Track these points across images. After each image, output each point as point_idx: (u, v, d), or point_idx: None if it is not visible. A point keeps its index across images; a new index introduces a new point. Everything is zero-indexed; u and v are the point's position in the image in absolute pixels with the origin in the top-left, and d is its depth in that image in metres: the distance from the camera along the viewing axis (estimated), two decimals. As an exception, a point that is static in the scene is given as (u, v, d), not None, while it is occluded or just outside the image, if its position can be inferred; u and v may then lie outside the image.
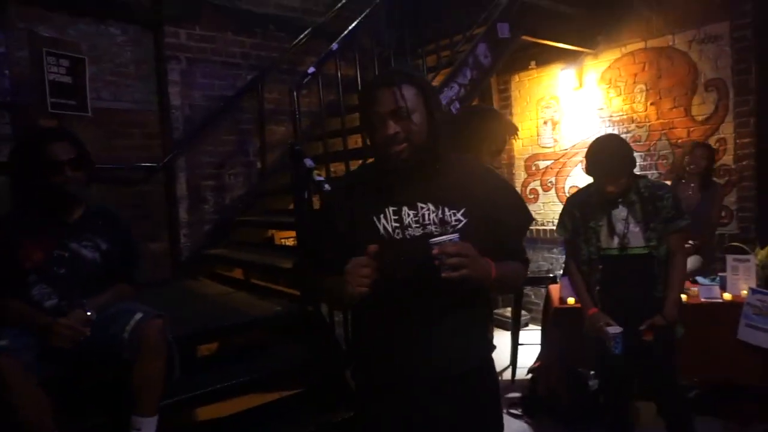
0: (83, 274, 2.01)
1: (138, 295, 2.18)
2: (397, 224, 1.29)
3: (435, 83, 3.52)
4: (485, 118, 2.31)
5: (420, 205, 1.30)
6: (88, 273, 2.02)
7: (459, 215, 1.31)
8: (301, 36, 4.04)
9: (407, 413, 1.33)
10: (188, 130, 3.73)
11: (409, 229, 1.29)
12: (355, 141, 3.57)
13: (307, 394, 2.49)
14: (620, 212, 2.24)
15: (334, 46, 3.04)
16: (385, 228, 1.29)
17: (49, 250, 1.96)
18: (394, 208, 1.30)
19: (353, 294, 1.18)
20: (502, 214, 1.36)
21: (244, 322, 2.64)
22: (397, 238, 1.29)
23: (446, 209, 1.30)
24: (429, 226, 1.29)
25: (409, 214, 1.29)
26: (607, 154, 2.19)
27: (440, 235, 1.24)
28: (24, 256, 1.92)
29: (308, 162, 2.59)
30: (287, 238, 3.95)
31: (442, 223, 1.29)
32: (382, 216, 1.30)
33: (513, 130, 2.37)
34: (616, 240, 2.24)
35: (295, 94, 2.92)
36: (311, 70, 2.98)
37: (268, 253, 3.43)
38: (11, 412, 1.66)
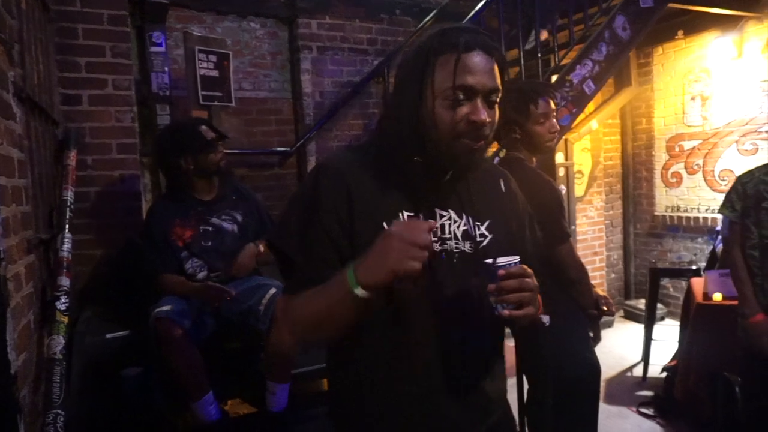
0: (226, 244, 2.23)
1: (275, 268, 2.37)
2: None
3: (566, 61, 3.33)
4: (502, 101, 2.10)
5: (440, 212, 1.00)
6: (229, 243, 2.24)
7: (483, 229, 1.03)
8: (426, 19, 4.02)
9: None
10: (318, 116, 3.92)
11: None
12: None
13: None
14: None
15: (460, 28, 3.00)
16: None
17: (197, 227, 2.20)
18: (410, 214, 0.97)
19: (407, 269, 0.80)
20: (524, 231, 1.11)
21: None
22: None
23: (471, 220, 1.02)
24: (449, 242, 0.99)
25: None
26: None
27: (464, 252, 0.99)
28: (177, 236, 2.17)
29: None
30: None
31: (466, 237, 1.01)
32: (394, 221, 0.96)
33: (532, 95, 1.98)
34: None
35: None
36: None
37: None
38: (173, 370, 1.92)
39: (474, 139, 0.93)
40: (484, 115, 0.91)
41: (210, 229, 2.22)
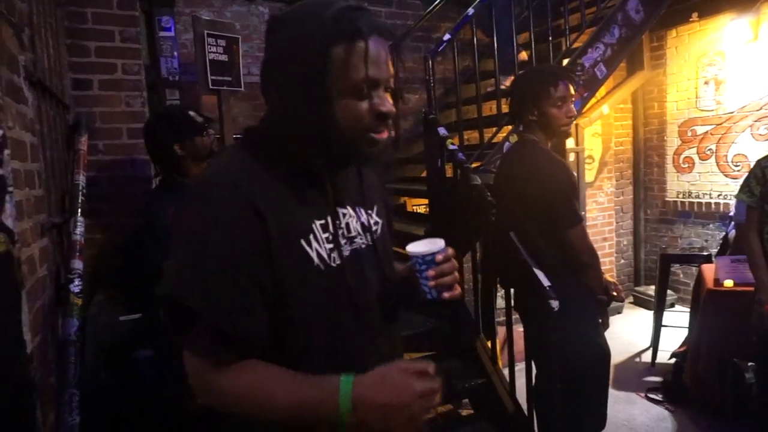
0: None
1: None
2: (332, 244, 0.88)
3: (577, 44, 3.29)
4: (515, 82, 2.17)
5: (342, 211, 0.93)
6: None
7: (375, 216, 0.99)
8: (436, 3, 3.98)
9: None
10: (327, 101, 3.90)
11: (343, 247, 0.90)
12: (490, 108, 3.48)
13: (432, 358, 2.56)
14: None
15: (470, 11, 2.97)
16: (318, 254, 0.86)
17: None
18: (322, 222, 0.88)
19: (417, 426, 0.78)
20: (391, 212, 1.10)
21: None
22: (335, 264, 0.87)
23: (362, 211, 0.97)
24: (356, 239, 0.93)
25: (336, 226, 0.91)
26: None
27: (368, 247, 0.95)
28: None
29: (441, 131, 2.59)
30: (419, 206, 4.03)
31: (364, 230, 0.96)
32: (311, 236, 0.85)
33: (552, 77, 2.00)
34: None
35: (429, 62, 2.91)
36: (446, 37, 2.95)
37: (401, 219, 3.53)
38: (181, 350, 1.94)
39: (381, 130, 0.86)
40: (390, 106, 0.86)
41: None
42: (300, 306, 0.83)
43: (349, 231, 0.92)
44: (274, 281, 0.81)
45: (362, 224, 0.95)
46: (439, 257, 0.90)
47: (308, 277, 0.84)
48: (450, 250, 0.93)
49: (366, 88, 0.83)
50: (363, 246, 0.94)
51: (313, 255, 0.85)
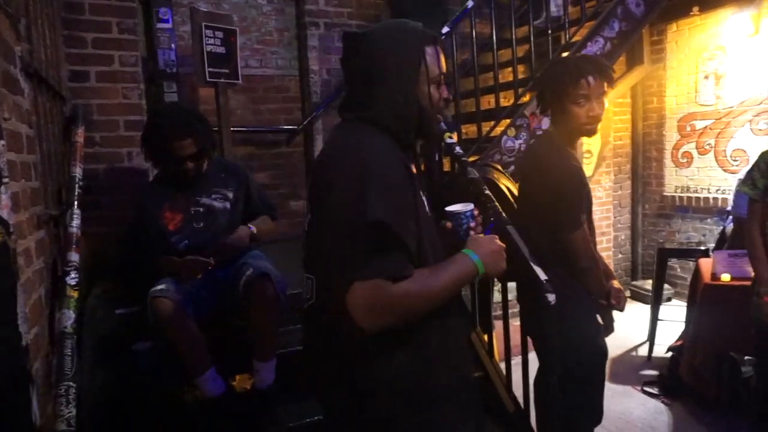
0: (219, 224, 2.17)
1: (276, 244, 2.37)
2: (427, 202, 1.21)
3: (577, 38, 3.27)
4: (547, 71, 2.03)
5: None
6: (222, 222, 2.18)
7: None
8: (435, -6, 3.97)
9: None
10: (325, 94, 3.89)
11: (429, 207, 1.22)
12: (488, 102, 3.48)
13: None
14: None
15: (470, 3, 2.95)
16: (427, 207, 1.20)
17: (187, 209, 2.15)
18: (426, 199, 1.22)
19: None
20: None
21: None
22: (432, 215, 1.23)
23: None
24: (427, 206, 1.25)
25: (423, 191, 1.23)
26: None
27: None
28: (168, 220, 2.13)
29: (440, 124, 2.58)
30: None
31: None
32: (422, 191, 1.18)
33: (575, 72, 1.86)
34: None
35: (427, 55, 2.89)
36: (445, 29, 2.93)
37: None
38: (173, 347, 1.93)
39: (442, 113, 1.22)
40: (449, 94, 1.20)
41: (201, 210, 2.17)
42: (423, 240, 1.11)
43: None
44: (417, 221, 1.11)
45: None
46: (476, 212, 1.25)
47: (428, 221, 1.15)
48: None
49: (442, 79, 1.16)
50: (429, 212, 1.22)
51: (427, 207, 1.17)
